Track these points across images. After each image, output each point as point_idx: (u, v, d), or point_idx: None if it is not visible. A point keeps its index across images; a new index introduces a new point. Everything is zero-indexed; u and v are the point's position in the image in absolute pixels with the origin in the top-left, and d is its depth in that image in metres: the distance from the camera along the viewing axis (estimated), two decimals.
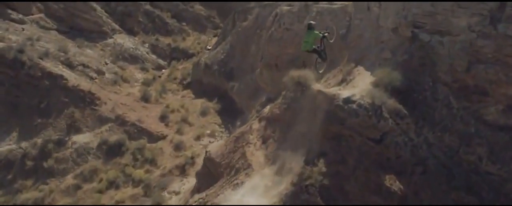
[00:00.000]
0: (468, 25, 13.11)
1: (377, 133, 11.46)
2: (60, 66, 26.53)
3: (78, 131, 24.02)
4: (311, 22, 12.52)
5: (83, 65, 28.02)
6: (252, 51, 27.79)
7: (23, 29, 28.11)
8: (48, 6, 30.74)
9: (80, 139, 23.67)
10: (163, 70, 36.15)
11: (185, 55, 37.96)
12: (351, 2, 16.57)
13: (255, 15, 29.02)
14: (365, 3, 15.57)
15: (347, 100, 11.18)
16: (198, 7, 44.62)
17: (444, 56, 13.25)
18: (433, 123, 12.61)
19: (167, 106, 28.38)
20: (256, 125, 13.39)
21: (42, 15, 30.30)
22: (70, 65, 27.24)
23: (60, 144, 23.29)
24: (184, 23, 42.06)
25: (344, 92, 11.41)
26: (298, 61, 19.02)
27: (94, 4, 33.46)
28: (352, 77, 13.68)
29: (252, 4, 33.49)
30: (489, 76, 13.05)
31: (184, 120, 27.15)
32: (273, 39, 20.65)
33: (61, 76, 24.89)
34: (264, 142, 12.35)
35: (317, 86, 11.58)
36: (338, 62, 16.17)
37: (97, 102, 24.98)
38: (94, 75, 28.24)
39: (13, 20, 28.28)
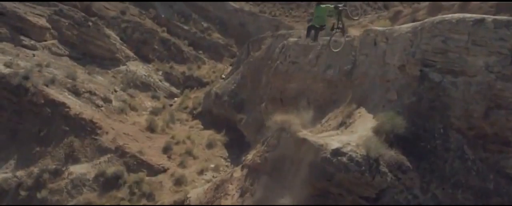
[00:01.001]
0: (486, 65, 11.50)
1: (372, 190, 9.81)
2: (66, 93, 26.07)
3: (76, 161, 23.16)
4: None
5: (90, 92, 27.50)
6: (263, 83, 26.65)
7: (33, 55, 28.06)
8: (62, 32, 30.80)
9: (77, 169, 22.74)
10: (176, 98, 35.46)
11: (199, 83, 37.29)
12: (357, 35, 15.24)
13: (268, 45, 28.07)
14: (372, 37, 14.19)
15: (336, 152, 9.65)
16: (216, 35, 44.33)
17: (457, 99, 11.62)
18: (444, 177, 10.88)
19: (173, 137, 27.30)
20: (237, 173, 11.99)
21: (55, 41, 30.32)
22: (76, 93, 26.75)
23: (56, 174, 22.42)
24: (200, 51, 41.69)
25: (334, 142, 9.88)
26: (302, 96, 17.69)
27: (108, 30, 33.41)
28: (352, 121, 12.19)
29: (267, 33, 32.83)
30: (511, 124, 11.33)
31: (189, 152, 25.91)
32: (278, 72, 19.47)
33: (64, 104, 24.31)
34: (241, 195, 10.88)
35: (302, 133, 10.13)
36: (342, 101, 14.72)
37: (98, 131, 24.16)
38: (101, 103, 27.65)
39: (24, 46, 28.32)
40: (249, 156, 11.67)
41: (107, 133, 24.56)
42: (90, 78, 29.55)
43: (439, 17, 12.24)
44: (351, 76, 14.73)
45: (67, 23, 31.07)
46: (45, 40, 29.87)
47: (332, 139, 10.32)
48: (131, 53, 35.52)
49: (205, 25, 44.08)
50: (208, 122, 30.46)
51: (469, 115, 11.57)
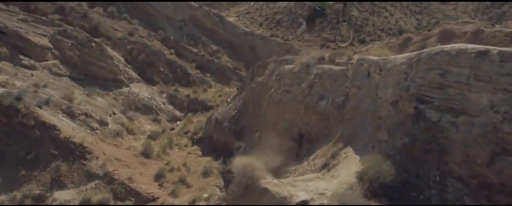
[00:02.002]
0: (491, 103, 9.95)
1: None
2: (60, 115, 25.30)
3: (62, 186, 22.07)
4: None
5: (86, 114, 26.69)
6: (263, 110, 25.42)
7: (32, 75, 27.59)
8: (64, 53, 30.40)
9: (62, 195, 21.62)
10: (178, 122, 34.44)
11: (204, 107, 36.24)
12: (351, 65, 13.90)
13: (270, 71, 26.92)
14: (365, 67, 12.82)
15: None
16: (224, 58, 43.62)
17: (457, 142, 10.05)
18: None
19: (167, 163, 26.08)
20: None
21: (56, 61, 29.89)
22: (71, 115, 25.97)
23: (40, 200, 21.34)
24: (208, 74, 40.90)
25: (301, 193, 8.43)
26: (294, 129, 16.31)
27: (112, 51, 32.96)
28: (336, 162, 10.74)
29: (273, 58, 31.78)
30: None
31: (182, 181, 24.56)
32: (272, 101, 18.20)
33: (54, 127, 23.44)
34: None
35: (265, 181, 8.72)
36: (333, 136, 13.28)
37: (88, 156, 23.11)
38: (96, 125, 26.76)
39: (23, 66, 27.89)
40: (211, 202, 10.34)
41: (97, 157, 23.49)
42: (88, 100, 28.84)
43: (437, 47, 10.83)
44: (343, 110, 13.32)
45: (70, 44, 30.69)
46: (46, 60, 29.45)
47: (306, 186, 8.88)
48: (135, 75, 34.90)
49: (214, 48, 43.48)
50: (208, 148, 29.17)
51: (471, 160, 9.97)
